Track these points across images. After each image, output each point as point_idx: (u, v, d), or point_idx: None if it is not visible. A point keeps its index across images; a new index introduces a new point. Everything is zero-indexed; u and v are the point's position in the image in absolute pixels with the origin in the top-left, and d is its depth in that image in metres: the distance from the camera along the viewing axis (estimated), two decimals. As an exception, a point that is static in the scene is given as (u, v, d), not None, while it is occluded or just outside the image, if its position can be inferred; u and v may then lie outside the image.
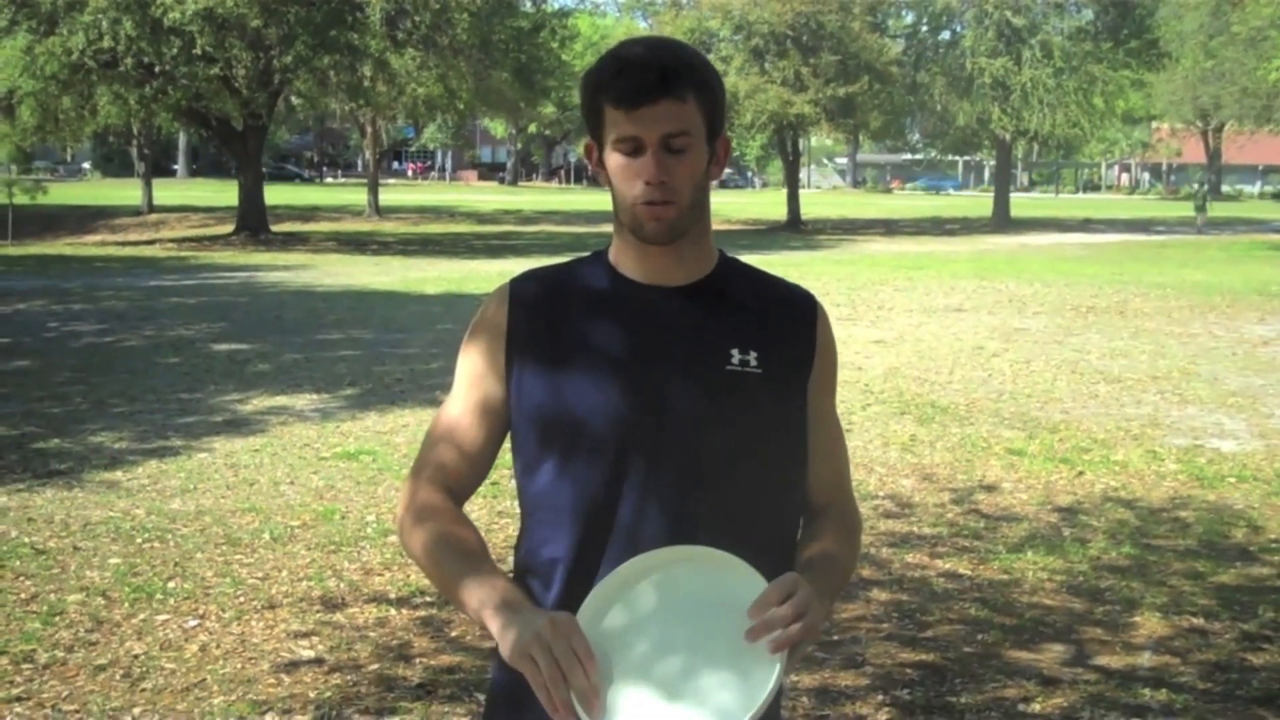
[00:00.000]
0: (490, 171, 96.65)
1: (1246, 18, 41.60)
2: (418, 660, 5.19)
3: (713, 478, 1.98)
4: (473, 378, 2.08)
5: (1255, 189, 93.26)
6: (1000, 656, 5.29)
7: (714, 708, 1.78)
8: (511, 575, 2.12)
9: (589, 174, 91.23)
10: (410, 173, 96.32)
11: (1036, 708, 4.79)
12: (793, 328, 2.08)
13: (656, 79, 1.92)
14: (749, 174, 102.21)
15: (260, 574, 6.32)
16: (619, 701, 1.81)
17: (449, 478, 2.09)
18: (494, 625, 1.84)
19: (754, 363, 2.01)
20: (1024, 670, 5.14)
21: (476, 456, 2.09)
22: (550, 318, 2.05)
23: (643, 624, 1.85)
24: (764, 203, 62.34)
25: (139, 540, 6.84)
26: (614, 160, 1.97)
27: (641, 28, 53.14)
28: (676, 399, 1.98)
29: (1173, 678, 5.09)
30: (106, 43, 28.38)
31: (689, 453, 1.97)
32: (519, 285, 2.11)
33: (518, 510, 6.79)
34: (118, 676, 5.01)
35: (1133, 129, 78.79)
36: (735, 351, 2.01)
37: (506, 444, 2.13)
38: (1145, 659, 5.30)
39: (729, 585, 1.84)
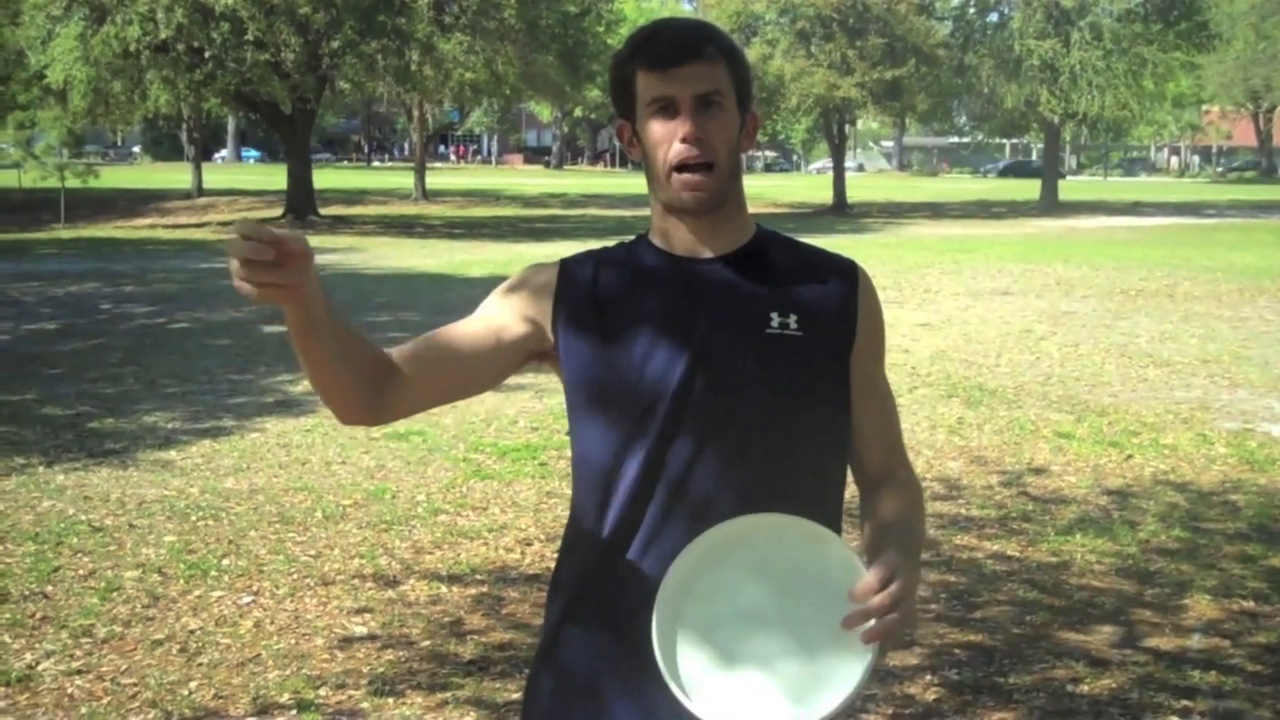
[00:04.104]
0: (536, 155, 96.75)
1: (1300, -2, 41.18)
2: (470, 637, 5.24)
3: (756, 440, 2.00)
4: (500, 308, 2.11)
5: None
6: (1049, 638, 5.30)
7: (802, 691, 1.79)
8: (566, 537, 2.17)
9: (634, 159, 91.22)
10: (453, 157, 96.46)
11: (1085, 689, 4.80)
12: (833, 293, 2.08)
13: (688, 40, 1.99)
14: (795, 158, 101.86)
15: (313, 551, 6.39)
16: (706, 673, 1.82)
17: (421, 352, 2.07)
18: None
19: (794, 325, 2.02)
20: (1073, 651, 5.14)
21: (462, 358, 2.08)
22: (597, 293, 2.08)
23: (736, 593, 1.86)
24: (809, 186, 62.14)
25: (193, 518, 6.93)
26: (649, 125, 2.00)
27: (686, 10, 53.04)
28: (718, 364, 2.00)
29: (1223, 660, 5.08)
30: (163, 33, 28.60)
31: (732, 416, 1.99)
32: (569, 262, 2.15)
33: (566, 491, 6.80)
34: (174, 651, 5.09)
35: (1182, 112, 78.04)
36: (775, 315, 2.02)
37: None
38: (1195, 641, 5.29)
39: (826, 563, 1.84)
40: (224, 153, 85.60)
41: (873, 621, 1.77)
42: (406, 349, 2.06)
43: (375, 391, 2.00)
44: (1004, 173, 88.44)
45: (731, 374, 2.00)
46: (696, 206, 2.01)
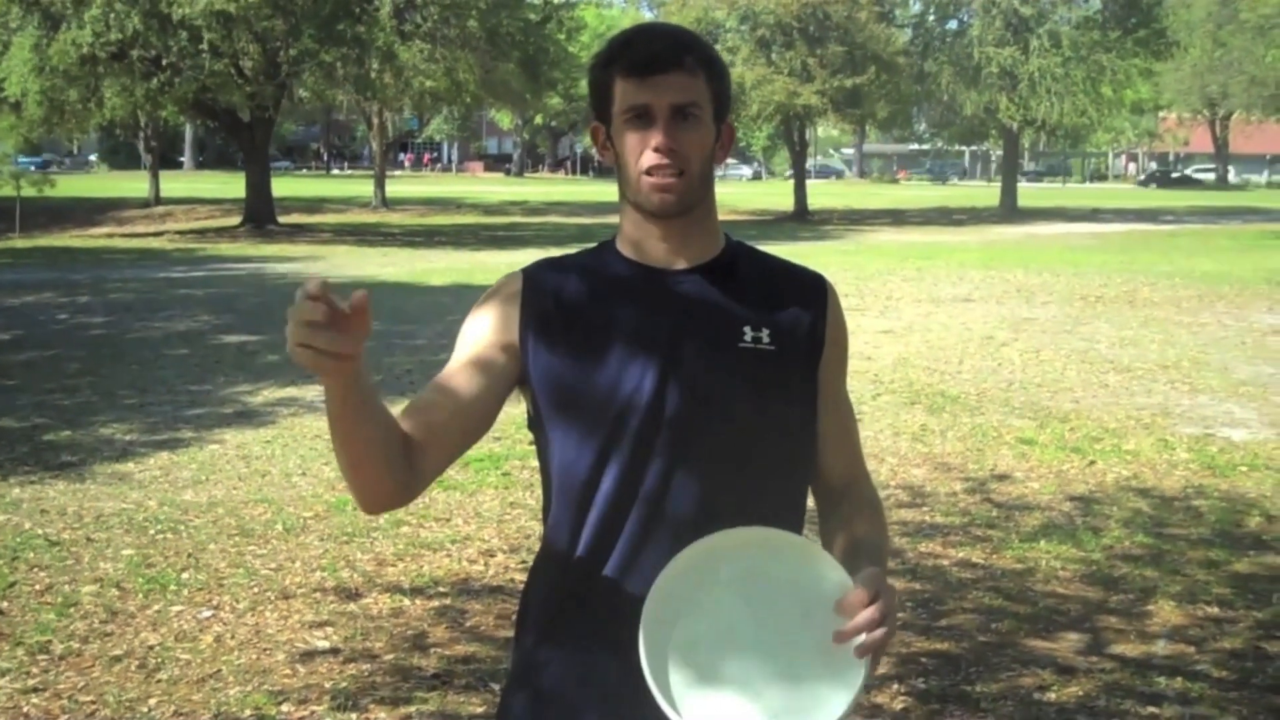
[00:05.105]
0: (496, 163, 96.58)
1: (1256, 5, 41.60)
2: (434, 650, 5.18)
3: (729, 453, 1.98)
4: (475, 340, 2.04)
5: (1263, 178, 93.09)
6: (1016, 645, 5.29)
7: (800, 707, 1.78)
8: (539, 556, 2.12)
9: (595, 164, 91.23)
10: (406, 163, 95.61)
11: (1053, 696, 4.79)
12: (803, 308, 2.08)
13: (669, 49, 1.96)
14: (755, 164, 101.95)
15: (274, 565, 6.32)
16: (696, 694, 1.80)
17: (421, 414, 1.97)
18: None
19: (766, 340, 2.01)
20: (1040, 659, 5.13)
21: (465, 406, 1.99)
22: (565, 301, 2.04)
23: (726, 608, 1.84)
24: (770, 193, 62.28)
25: (152, 531, 6.85)
26: (624, 131, 1.98)
27: (647, 18, 53.09)
28: (691, 377, 1.98)
29: (1189, 666, 5.08)
30: (114, 35, 28.39)
31: (706, 430, 1.98)
32: (533, 270, 2.11)
33: (530, 501, 6.70)
34: (133, 667, 5.01)
35: (1140, 118, 78.63)
36: (747, 329, 2.01)
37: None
38: (1161, 647, 5.29)
39: (814, 577, 1.83)
40: None
41: (863, 636, 1.77)
42: (413, 418, 1.97)
43: (402, 470, 1.91)
44: (1150, 181, 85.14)
45: (705, 387, 1.98)
46: (664, 209, 1.99)
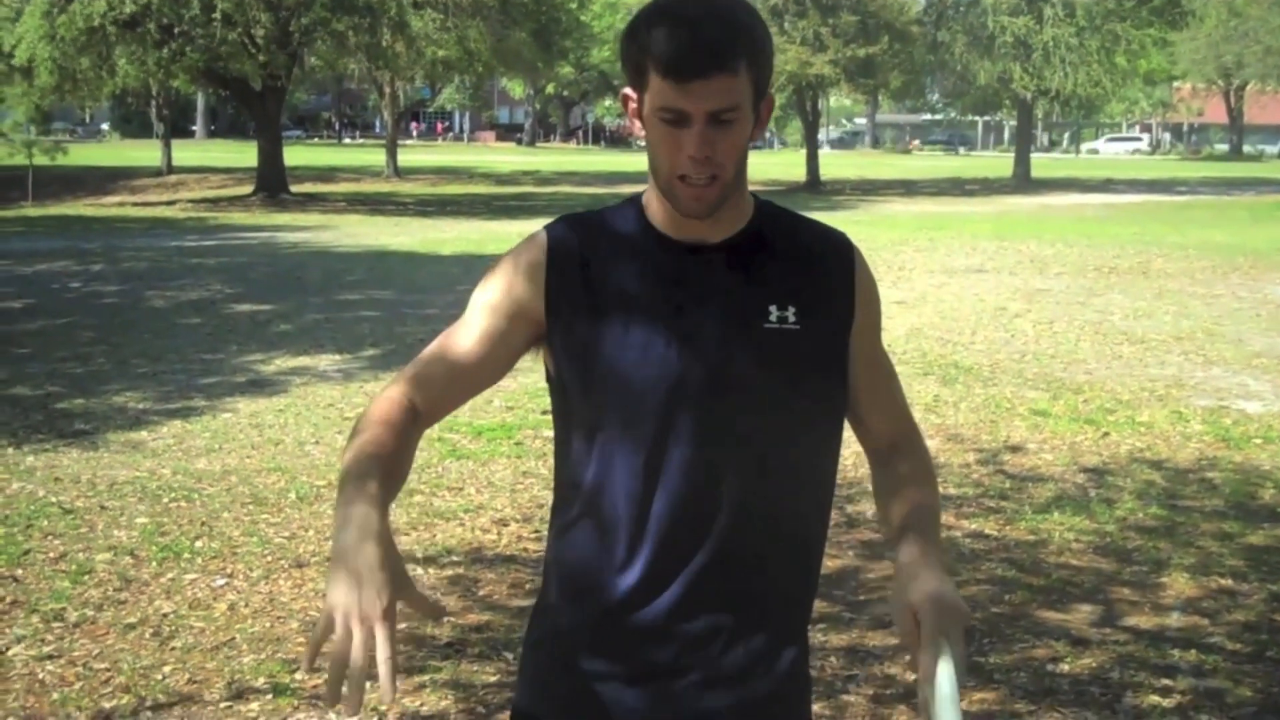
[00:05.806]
0: (508, 132, 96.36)
1: (1271, -25, 41.33)
2: (447, 619, 5.18)
3: (753, 437, 1.96)
4: (493, 307, 2.01)
5: (1277, 149, 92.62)
6: (1029, 617, 5.28)
7: None
8: (551, 533, 2.11)
9: (607, 134, 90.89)
10: (414, 133, 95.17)
11: (1066, 668, 4.78)
12: (831, 276, 2.04)
13: (709, 53, 1.81)
14: (769, 134, 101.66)
15: (287, 533, 6.33)
16: None
17: (430, 389, 1.99)
18: (331, 560, 1.73)
19: (792, 319, 1.97)
20: (1053, 631, 5.13)
21: (468, 378, 2.01)
22: (590, 273, 1.99)
23: None
24: (782, 163, 62.11)
25: (165, 500, 6.86)
26: (656, 127, 1.89)
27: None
28: (714, 359, 1.94)
29: (1202, 638, 5.08)
30: (128, 8, 28.35)
31: (729, 414, 1.95)
32: (557, 234, 2.03)
33: (543, 471, 6.68)
34: (147, 635, 5.03)
35: (1153, 89, 78.22)
36: (773, 309, 1.97)
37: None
38: (1174, 619, 5.28)
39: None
40: None
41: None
42: (424, 391, 1.99)
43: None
44: None
45: (728, 370, 1.95)
46: (698, 213, 1.93)
